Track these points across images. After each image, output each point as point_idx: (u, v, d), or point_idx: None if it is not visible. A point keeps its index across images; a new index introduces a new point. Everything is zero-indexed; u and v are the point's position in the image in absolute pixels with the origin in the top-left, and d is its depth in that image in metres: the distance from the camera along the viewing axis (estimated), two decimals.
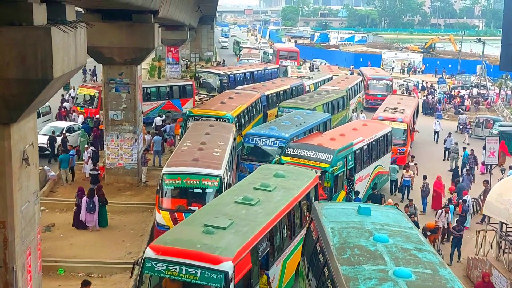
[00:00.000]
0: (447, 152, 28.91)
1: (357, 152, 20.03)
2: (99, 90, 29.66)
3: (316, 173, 17.19)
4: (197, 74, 40.48)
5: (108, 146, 21.88)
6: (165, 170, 16.23)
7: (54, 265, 14.80)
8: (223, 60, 61.69)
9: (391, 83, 44.46)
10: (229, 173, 17.66)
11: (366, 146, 20.98)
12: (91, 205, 17.26)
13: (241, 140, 23.08)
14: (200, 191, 15.80)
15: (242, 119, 25.66)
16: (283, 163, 17.92)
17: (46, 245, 15.58)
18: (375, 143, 21.98)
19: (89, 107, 30.54)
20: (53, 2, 9.98)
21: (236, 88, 36.49)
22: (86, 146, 23.57)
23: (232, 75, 39.70)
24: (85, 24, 11.29)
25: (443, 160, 28.79)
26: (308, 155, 18.17)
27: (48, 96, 10.15)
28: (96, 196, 17.55)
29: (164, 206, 15.74)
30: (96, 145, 24.11)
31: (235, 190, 14.13)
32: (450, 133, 29.82)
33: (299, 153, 18.33)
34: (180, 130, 24.72)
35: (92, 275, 14.58)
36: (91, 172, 21.00)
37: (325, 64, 65.88)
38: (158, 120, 30.06)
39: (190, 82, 36.54)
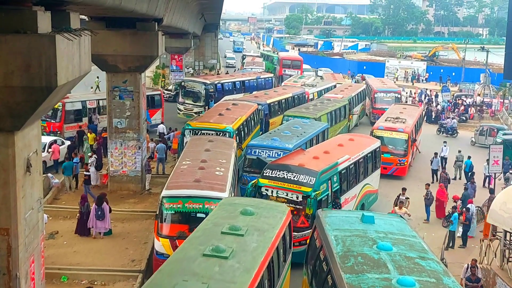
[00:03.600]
0: (435, 175, 26.37)
1: (342, 172, 18.49)
2: (62, 102, 27.34)
3: (298, 198, 16.09)
4: (182, 83, 38.84)
5: (112, 154, 21.91)
6: (164, 193, 14.96)
7: (58, 272, 14.80)
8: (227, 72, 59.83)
9: (399, 95, 41.19)
10: (233, 194, 16.62)
11: (352, 165, 19.46)
12: (99, 212, 17.29)
13: (242, 153, 22.61)
14: (204, 216, 14.00)
15: (242, 132, 24.99)
16: (261, 186, 16.69)
17: (50, 252, 15.61)
18: (362, 161, 20.51)
19: (52, 121, 27.60)
20: (58, 10, 10.06)
21: (224, 97, 36.20)
22: (89, 154, 23.62)
23: (219, 84, 38.37)
24: (89, 32, 11.36)
25: (432, 183, 24.69)
26: (289, 178, 16.58)
27: (52, 103, 10.20)
28: (105, 203, 17.55)
29: (163, 232, 14.57)
30: (100, 153, 24.14)
31: (199, 236, 11.38)
32: (436, 153, 27.03)
33: (279, 175, 16.75)
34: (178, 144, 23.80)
35: (96, 283, 14.58)
36: (85, 173, 21.10)
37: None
38: (161, 128, 30.09)
39: (158, 92, 34.70)
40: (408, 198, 20.39)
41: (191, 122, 24.30)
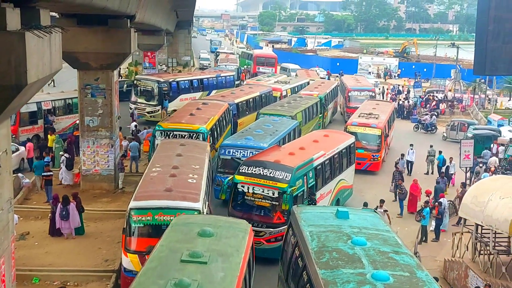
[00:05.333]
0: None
1: (318, 167, 18.60)
2: None
3: (273, 194, 16.28)
4: (135, 81, 36.70)
5: (84, 152, 21.58)
6: (132, 204, 13.69)
7: (29, 273, 14.54)
8: None
9: (374, 93, 40.68)
10: (207, 202, 15.59)
11: (327, 161, 19.57)
12: (63, 212, 16.94)
13: (215, 154, 22.03)
14: None
15: (215, 132, 24.14)
16: (237, 183, 16.76)
17: (21, 253, 15.33)
18: (337, 156, 20.65)
19: None
20: (27, 7, 9.84)
21: (180, 96, 35.44)
22: (61, 153, 23.24)
23: (174, 83, 36.47)
24: (60, 29, 11.16)
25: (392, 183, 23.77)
26: (265, 174, 16.62)
27: (22, 102, 10.01)
28: (74, 202, 17.26)
29: (132, 247, 13.41)
30: (71, 151, 23.77)
31: (155, 267, 9.68)
32: (402, 155, 26.74)
33: (255, 171, 16.74)
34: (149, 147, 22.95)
35: (68, 284, 14.37)
36: (44, 174, 20.44)
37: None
38: (133, 126, 29.77)
39: None
40: (387, 210, 19.37)
41: (162, 123, 23.25)
